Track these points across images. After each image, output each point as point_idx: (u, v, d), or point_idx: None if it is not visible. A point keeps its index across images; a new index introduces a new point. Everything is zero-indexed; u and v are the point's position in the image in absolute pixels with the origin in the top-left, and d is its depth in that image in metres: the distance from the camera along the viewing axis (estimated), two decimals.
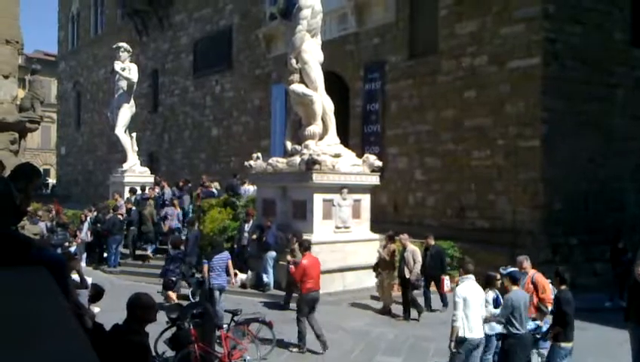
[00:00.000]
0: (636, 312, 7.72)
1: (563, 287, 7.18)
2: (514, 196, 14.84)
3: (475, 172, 15.89)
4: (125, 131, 22.95)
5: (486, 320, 7.64)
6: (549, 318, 7.75)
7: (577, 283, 12.37)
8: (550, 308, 7.82)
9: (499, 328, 7.69)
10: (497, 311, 7.70)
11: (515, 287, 7.25)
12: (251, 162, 15.19)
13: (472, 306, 6.97)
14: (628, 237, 13.64)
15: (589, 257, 14.27)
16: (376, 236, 14.36)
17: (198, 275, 11.75)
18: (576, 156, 14.62)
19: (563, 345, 6.98)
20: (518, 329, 6.95)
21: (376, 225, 14.89)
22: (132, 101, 23.14)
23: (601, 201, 14.73)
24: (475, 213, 15.83)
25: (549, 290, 8.02)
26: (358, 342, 9.78)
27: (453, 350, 7.00)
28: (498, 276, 8.03)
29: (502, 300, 7.76)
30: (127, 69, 22.75)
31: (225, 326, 8.34)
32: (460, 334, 6.93)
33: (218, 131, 26.73)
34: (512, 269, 7.65)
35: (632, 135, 15.47)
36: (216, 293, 10.12)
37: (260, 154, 15.56)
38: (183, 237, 13.83)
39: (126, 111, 22.82)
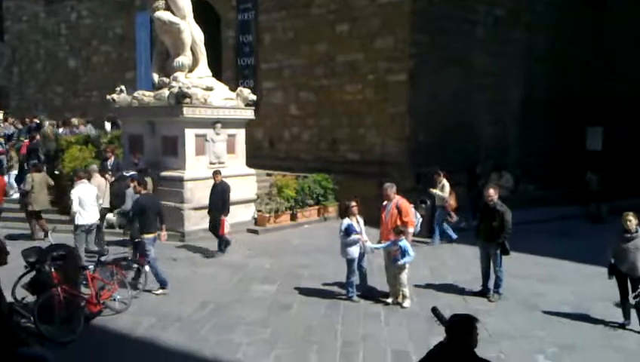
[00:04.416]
0: (485, 230, 8.58)
1: (143, 191, 9.23)
2: (383, 129, 15.47)
3: (347, 106, 16.24)
4: None
5: (345, 245, 8.20)
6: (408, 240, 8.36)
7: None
8: (412, 229, 8.44)
9: (355, 254, 8.29)
10: (350, 237, 8.10)
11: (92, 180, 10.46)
12: (114, 95, 14.19)
13: (85, 202, 9.61)
14: (483, 166, 14.93)
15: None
16: (253, 171, 14.32)
17: None
18: (440, 90, 15.45)
19: (146, 236, 8.73)
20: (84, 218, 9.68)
21: (252, 161, 14.81)
22: None
23: (461, 133, 15.83)
24: (347, 146, 16.32)
25: (412, 214, 8.63)
26: (235, 273, 9.84)
27: (77, 233, 9.65)
28: (354, 203, 8.39)
29: (355, 227, 8.15)
30: None
31: (91, 267, 7.91)
32: (77, 222, 9.56)
33: (76, 62, 24.51)
34: (132, 173, 11.06)
35: (489, 71, 16.59)
36: None
37: (123, 87, 14.56)
38: None
39: None
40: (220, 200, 11.09)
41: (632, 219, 7.22)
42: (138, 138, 13.78)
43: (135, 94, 13.95)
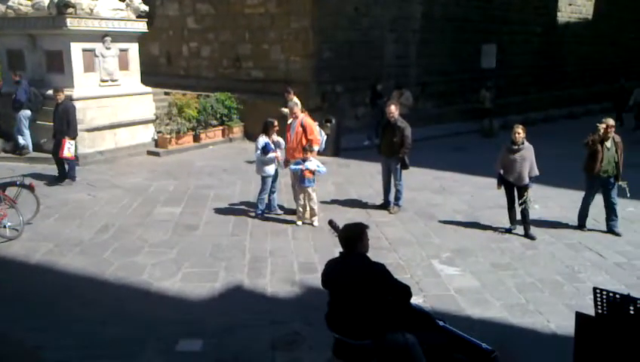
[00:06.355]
0: (386, 146, 8.83)
1: None
2: (287, 45, 15.08)
3: (249, 20, 15.58)
4: None
5: (262, 164, 8.08)
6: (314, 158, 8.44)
7: (343, 126, 13.63)
8: (317, 147, 8.50)
9: (272, 171, 8.27)
10: (268, 156, 8.05)
11: None
12: None
13: None
14: (385, 84, 15.14)
15: (352, 103, 15.60)
16: (149, 89, 13.54)
17: None
18: (343, 5, 15.16)
19: None
20: None
21: (148, 78, 13.99)
22: None
23: (364, 50, 15.81)
24: (251, 63, 15.82)
25: (317, 132, 8.66)
26: (136, 196, 9.49)
27: None
28: (276, 122, 8.30)
29: (271, 146, 8.10)
30: None
31: None
32: None
33: None
34: None
35: None
36: None
37: None
38: None
39: None
40: (63, 121, 10.05)
41: (520, 132, 7.70)
42: (18, 53, 12.46)
43: (10, 3, 12.41)
